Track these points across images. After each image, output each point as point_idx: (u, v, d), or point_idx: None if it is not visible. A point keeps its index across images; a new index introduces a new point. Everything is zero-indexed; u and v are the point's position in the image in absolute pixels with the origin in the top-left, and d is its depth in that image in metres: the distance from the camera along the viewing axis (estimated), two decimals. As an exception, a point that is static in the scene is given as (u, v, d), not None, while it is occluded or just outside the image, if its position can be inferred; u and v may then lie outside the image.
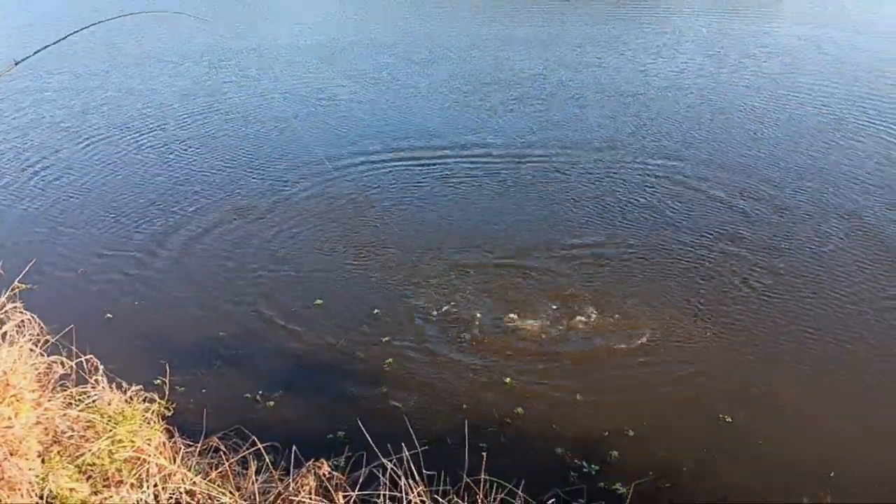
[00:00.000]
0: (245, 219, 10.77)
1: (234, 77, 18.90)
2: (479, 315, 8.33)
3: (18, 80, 17.88)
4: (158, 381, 6.48)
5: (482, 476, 4.65)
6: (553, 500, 4.79)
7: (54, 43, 5.11)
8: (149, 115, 15.64)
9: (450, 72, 18.87)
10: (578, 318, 8.23)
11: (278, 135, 14.43)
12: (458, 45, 21.85)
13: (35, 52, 4.91)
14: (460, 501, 4.63)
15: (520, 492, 4.76)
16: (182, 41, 23.03)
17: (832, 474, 6.17)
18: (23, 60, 4.86)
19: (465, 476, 4.77)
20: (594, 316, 8.26)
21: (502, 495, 4.81)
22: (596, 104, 15.93)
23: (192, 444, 5.30)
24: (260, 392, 7.17)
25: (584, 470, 6.18)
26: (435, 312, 8.39)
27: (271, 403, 7.03)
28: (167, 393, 5.15)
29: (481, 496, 4.58)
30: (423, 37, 23.32)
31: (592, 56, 20.42)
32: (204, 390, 7.15)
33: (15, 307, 4.59)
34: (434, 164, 12.77)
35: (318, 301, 8.65)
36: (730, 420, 6.78)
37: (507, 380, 7.30)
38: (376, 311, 8.44)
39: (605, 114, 15.29)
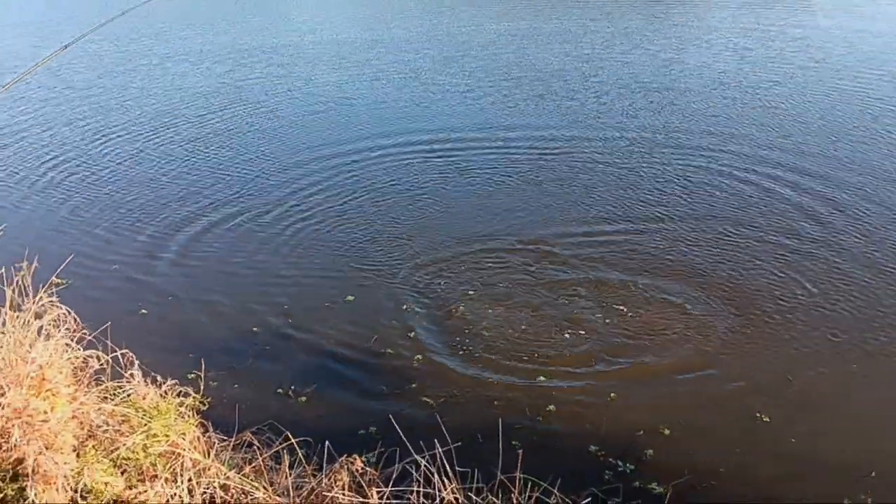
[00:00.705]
0: (274, 215, 10.82)
1: (258, 74, 19.04)
2: (509, 310, 8.26)
3: (49, 77, 18.16)
4: (192, 375, 6.50)
5: (517, 474, 4.59)
6: (589, 499, 4.71)
7: (95, 28, 5.14)
8: (176, 112, 15.81)
9: (471, 68, 18.83)
10: (611, 314, 8.13)
11: (302, 131, 14.54)
12: (478, 42, 21.80)
13: (82, 36, 4.95)
14: (495, 500, 4.57)
15: (555, 490, 4.70)
16: (204, 40, 23.23)
17: (872, 474, 6.01)
18: (72, 43, 4.90)
19: (499, 473, 4.71)
20: (628, 312, 8.16)
21: (537, 494, 4.75)
22: (625, 97, 15.76)
23: (225, 438, 5.30)
24: (292, 387, 7.16)
25: (619, 469, 6.08)
26: (464, 307, 8.34)
27: (303, 399, 7.03)
28: (202, 388, 5.15)
29: (516, 494, 4.52)
30: (445, 34, 23.27)
31: (620, 50, 20.24)
32: (236, 385, 7.17)
33: (51, 301, 4.61)
34: (459, 157, 12.75)
35: (350, 297, 8.65)
36: (767, 419, 6.63)
37: (542, 378, 7.21)
38: (405, 307, 8.41)
39: (635, 106, 15.14)
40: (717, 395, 7.00)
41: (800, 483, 6.04)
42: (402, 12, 27.86)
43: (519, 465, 4.70)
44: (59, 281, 5.77)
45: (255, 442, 5.20)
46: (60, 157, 13.34)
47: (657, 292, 8.52)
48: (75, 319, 4.69)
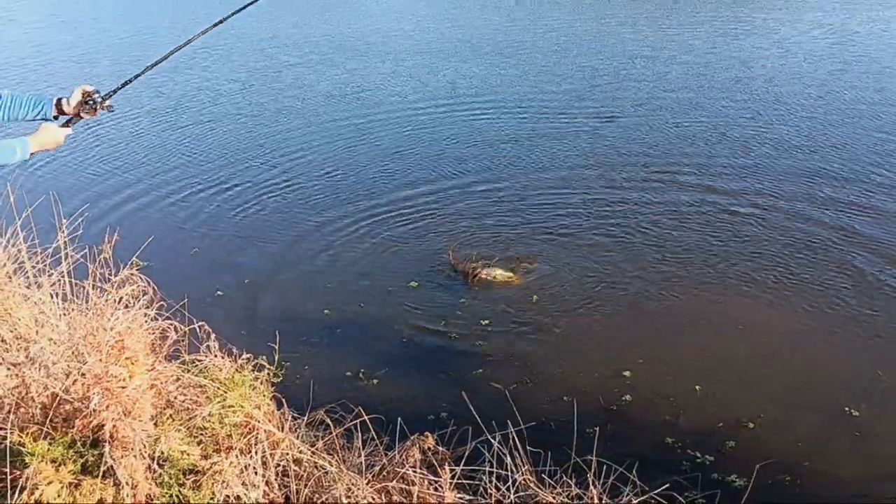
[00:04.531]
0: (345, 203, 10.90)
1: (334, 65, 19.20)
2: (588, 298, 8.13)
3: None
4: (265, 355, 6.57)
5: (593, 458, 4.47)
6: (667, 485, 4.55)
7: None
8: (248, 101, 16.04)
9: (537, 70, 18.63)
10: (695, 299, 7.96)
11: (375, 125, 14.54)
12: (532, 39, 21.52)
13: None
14: (570, 481, 4.46)
15: (632, 475, 4.55)
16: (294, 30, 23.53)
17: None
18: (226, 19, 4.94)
19: (573, 455, 4.60)
20: (715, 300, 7.95)
21: (612, 479, 4.61)
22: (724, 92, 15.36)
23: (298, 417, 5.32)
24: (362, 370, 7.20)
25: (698, 460, 5.88)
26: (538, 293, 8.24)
27: (374, 382, 7.05)
28: (276, 360, 5.19)
29: (592, 477, 4.39)
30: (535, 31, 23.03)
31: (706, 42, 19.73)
32: (308, 367, 7.20)
33: (132, 274, 4.71)
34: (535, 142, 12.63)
35: (413, 283, 8.65)
36: (856, 414, 6.32)
37: (626, 373, 7.00)
38: (464, 298, 8.34)
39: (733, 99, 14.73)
40: (805, 389, 6.71)
41: (889, 481, 5.73)
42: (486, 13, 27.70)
43: (595, 449, 4.59)
44: (139, 262, 5.89)
45: (328, 420, 5.20)
46: (149, 144, 13.72)
47: (751, 285, 8.24)
48: (155, 291, 4.78)
